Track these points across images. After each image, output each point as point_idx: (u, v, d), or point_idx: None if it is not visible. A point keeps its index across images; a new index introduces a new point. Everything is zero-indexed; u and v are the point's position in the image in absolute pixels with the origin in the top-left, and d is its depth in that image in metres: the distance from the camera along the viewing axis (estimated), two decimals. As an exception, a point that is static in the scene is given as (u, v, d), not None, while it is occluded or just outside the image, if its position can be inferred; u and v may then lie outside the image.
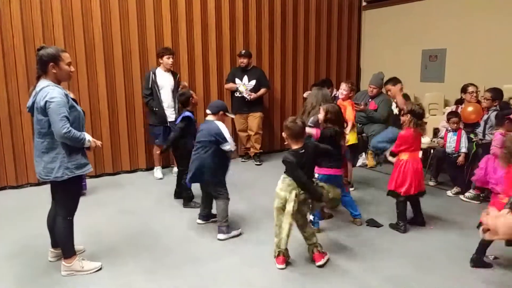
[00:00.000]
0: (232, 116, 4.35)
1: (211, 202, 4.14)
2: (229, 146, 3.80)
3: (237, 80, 6.52)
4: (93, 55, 5.67)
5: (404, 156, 3.93)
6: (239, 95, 6.51)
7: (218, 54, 6.62)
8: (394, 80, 5.00)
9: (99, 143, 3.15)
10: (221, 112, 3.91)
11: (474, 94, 5.24)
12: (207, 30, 6.49)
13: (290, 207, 3.14)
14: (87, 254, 3.50)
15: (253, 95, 6.47)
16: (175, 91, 5.67)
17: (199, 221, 4.23)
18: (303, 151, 3.22)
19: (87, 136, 3.03)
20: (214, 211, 4.09)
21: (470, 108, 4.97)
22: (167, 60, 5.61)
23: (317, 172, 3.62)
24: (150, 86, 5.61)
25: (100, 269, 3.28)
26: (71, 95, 3.12)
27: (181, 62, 6.32)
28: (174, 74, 5.80)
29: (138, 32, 5.92)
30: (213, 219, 4.17)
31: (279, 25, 7.13)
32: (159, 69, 5.68)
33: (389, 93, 5.10)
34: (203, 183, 3.96)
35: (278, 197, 3.23)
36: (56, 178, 2.96)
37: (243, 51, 6.50)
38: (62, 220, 3.12)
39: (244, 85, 6.47)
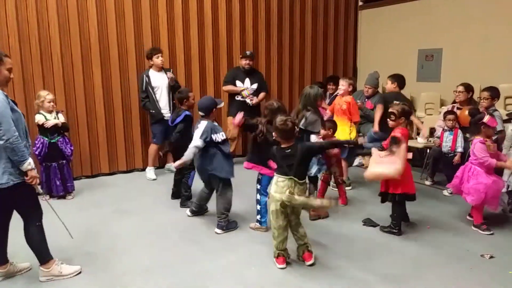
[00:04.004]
0: (221, 105, 4.28)
1: (208, 198, 4.29)
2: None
3: (238, 83, 6.29)
4: (89, 54, 5.64)
5: None
6: (241, 99, 6.29)
7: (214, 53, 6.60)
8: (391, 78, 5.00)
9: (36, 179, 2.90)
10: (214, 110, 4.02)
11: (456, 94, 5.30)
12: (204, 29, 6.47)
13: (299, 201, 3.13)
14: (84, 254, 3.49)
15: (255, 100, 6.27)
16: (170, 87, 5.69)
17: (189, 213, 4.37)
18: (289, 151, 3.23)
19: (30, 161, 2.84)
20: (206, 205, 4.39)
21: (467, 112, 4.96)
22: (157, 59, 5.58)
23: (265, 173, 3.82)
24: (144, 89, 5.61)
25: (80, 272, 3.21)
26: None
27: (178, 62, 6.31)
28: (166, 71, 5.75)
29: (135, 32, 5.90)
30: (203, 213, 4.40)
31: (275, 24, 7.11)
32: (152, 70, 5.65)
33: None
34: (209, 179, 4.04)
35: (274, 200, 3.21)
36: (0, 185, 2.78)
37: (248, 52, 6.27)
38: (31, 228, 3.00)
39: (247, 89, 6.27)
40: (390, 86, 4.96)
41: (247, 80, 6.29)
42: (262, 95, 6.39)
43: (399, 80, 4.96)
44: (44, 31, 5.32)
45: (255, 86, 6.31)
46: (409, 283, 3.07)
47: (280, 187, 3.18)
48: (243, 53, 6.32)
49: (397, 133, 3.72)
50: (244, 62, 6.23)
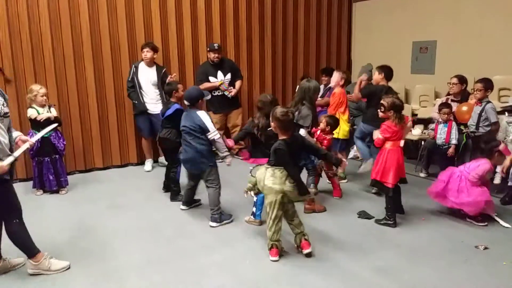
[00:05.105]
0: (208, 97, 4.30)
1: (194, 189, 4.34)
2: (212, 135, 3.87)
3: (211, 79, 6.11)
4: (81, 49, 5.58)
5: (387, 145, 3.88)
6: (219, 93, 6.16)
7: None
8: (378, 68, 4.96)
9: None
10: (200, 101, 4.04)
11: (450, 86, 5.35)
12: (197, 23, 6.41)
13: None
14: (78, 249, 3.47)
15: (234, 91, 6.19)
16: (159, 84, 5.67)
17: (183, 207, 4.39)
18: (291, 141, 3.23)
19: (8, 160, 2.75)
20: (196, 196, 4.46)
21: (464, 108, 4.95)
22: (142, 53, 5.61)
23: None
24: (130, 79, 5.64)
25: (69, 268, 3.18)
26: None
27: (171, 57, 6.26)
28: (159, 68, 5.76)
29: (127, 26, 5.83)
30: (195, 204, 4.46)
31: (269, 17, 7.04)
32: (142, 63, 5.66)
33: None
34: (196, 171, 4.04)
35: (273, 192, 3.19)
36: None
37: (216, 45, 6.03)
38: (12, 226, 2.96)
39: (223, 82, 6.14)
40: (377, 76, 4.91)
41: (219, 73, 6.14)
42: (238, 84, 6.33)
43: (385, 70, 4.88)
44: (35, 25, 5.25)
45: (229, 76, 6.22)
46: (404, 275, 3.07)
47: (279, 178, 3.18)
48: (210, 46, 6.06)
49: (377, 133, 3.91)
50: (212, 56, 6.02)
